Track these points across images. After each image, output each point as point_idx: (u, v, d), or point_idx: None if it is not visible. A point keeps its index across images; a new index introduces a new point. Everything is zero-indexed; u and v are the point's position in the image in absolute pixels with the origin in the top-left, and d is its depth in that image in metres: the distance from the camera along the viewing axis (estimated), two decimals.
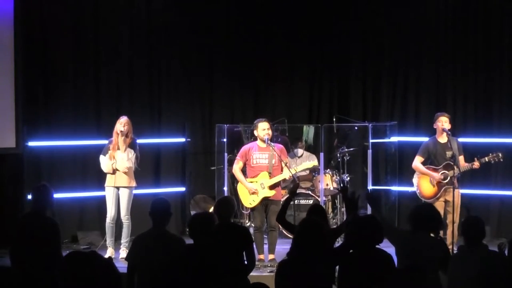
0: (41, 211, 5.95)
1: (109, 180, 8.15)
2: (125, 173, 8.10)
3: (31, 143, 9.19)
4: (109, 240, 8.26)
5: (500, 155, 8.17)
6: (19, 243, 5.83)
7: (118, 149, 8.12)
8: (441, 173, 8.24)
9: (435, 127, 8.44)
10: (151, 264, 5.30)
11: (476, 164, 8.15)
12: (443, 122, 8.32)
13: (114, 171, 8.10)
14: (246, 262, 5.78)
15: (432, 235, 5.41)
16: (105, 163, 8.12)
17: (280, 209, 6.45)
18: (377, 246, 4.90)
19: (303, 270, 4.51)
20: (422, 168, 8.39)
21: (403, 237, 5.42)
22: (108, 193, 8.18)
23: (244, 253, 5.75)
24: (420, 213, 5.41)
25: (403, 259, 5.22)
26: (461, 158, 8.31)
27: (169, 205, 5.67)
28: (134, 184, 8.22)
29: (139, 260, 5.39)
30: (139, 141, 8.59)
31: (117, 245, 8.34)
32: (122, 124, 8.13)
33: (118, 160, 8.09)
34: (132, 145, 8.18)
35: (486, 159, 8.17)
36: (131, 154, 8.15)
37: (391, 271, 4.77)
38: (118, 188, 8.15)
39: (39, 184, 6.32)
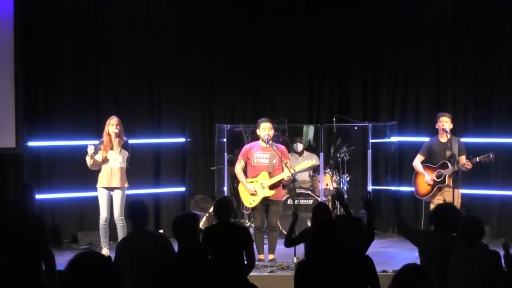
0: (26, 209, 5.91)
1: (102, 181, 8.12)
2: (119, 170, 8.06)
3: (31, 143, 9.19)
4: (103, 240, 8.23)
5: (491, 155, 8.15)
6: (4, 242, 5.78)
7: (111, 149, 8.09)
8: (437, 172, 8.24)
9: (436, 127, 8.43)
10: (140, 266, 5.29)
11: (467, 164, 8.15)
12: (444, 122, 8.32)
13: (105, 171, 8.03)
14: (246, 262, 5.78)
15: (454, 234, 5.42)
16: (87, 160, 8.05)
17: (286, 235, 6.50)
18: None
19: (323, 269, 4.49)
20: (418, 167, 8.41)
21: (425, 237, 5.45)
22: (101, 194, 8.15)
23: (244, 253, 5.75)
24: (442, 213, 5.44)
25: (425, 260, 5.24)
26: (462, 158, 8.28)
27: (146, 206, 5.73)
28: (126, 185, 8.18)
29: (127, 264, 5.37)
30: (139, 141, 8.59)
31: (114, 246, 8.32)
32: (114, 125, 8.09)
33: (111, 159, 8.08)
34: (125, 146, 8.16)
35: (477, 159, 8.17)
36: (125, 155, 8.12)
37: (372, 273, 4.82)
38: (111, 189, 8.14)
39: (24, 183, 6.29)
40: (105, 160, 8.07)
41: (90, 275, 2.94)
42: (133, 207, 5.70)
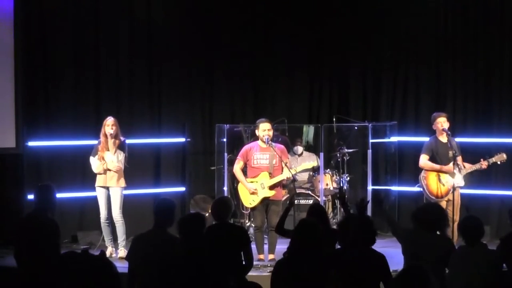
0: (43, 212, 5.93)
1: (99, 181, 8.17)
2: (115, 172, 8.08)
3: (31, 143, 9.19)
4: (107, 239, 8.27)
5: (504, 156, 8.16)
6: (22, 244, 5.82)
7: (107, 150, 8.11)
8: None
9: (434, 128, 8.43)
10: (151, 264, 5.28)
11: (484, 164, 8.14)
12: (442, 122, 8.32)
13: (105, 171, 8.09)
14: (244, 262, 5.78)
15: (438, 233, 5.43)
16: (95, 164, 8.12)
17: (278, 222, 6.49)
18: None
19: (300, 270, 4.51)
20: (433, 164, 8.31)
21: (410, 236, 5.44)
22: (99, 194, 8.20)
23: (242, 253, 5.75)
24: (426, 213, 5.44)
25: (409, 258, 5.24)
26: (459, 159, 8.28)
27: (173, 208, 5.60)
28: (123, 184, 8.20)
29: (139, 260, 5.37)
30: (139, 141, 8.59)
31: (115, 245, 8.33)
32: (110, 126, 8.12)
33: (107, 161, 8.09)
34: (121, 147, 8.17)
35: (494, 159, 8.16)
36: (121, 156, 8.13)
37: (385, 272, 4.82)
38: (108, 188, 8.15)
39: (43, 184, 6.30)
40: (102, 160, 8.09)
41: (78, 274, 2.93)
42: (159, 205, 5.57)
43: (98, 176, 8.17)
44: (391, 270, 6.74)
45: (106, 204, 8.17)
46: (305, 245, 4.57)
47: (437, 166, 8.28)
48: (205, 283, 4.85)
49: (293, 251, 4.65)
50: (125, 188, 8.25)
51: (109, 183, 8.12)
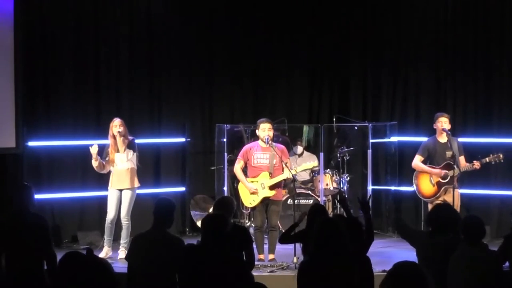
0: (26, 209, 5.89)
1: (113, 183, 8.17)
2: (127, 171, 8.09)
3: (31, 143, 9.19)
4: (107, 239, 8.25)
5: (501, 156, 8.18)
6: (6, 242, 5.75)
7: (117, 151, 8.12)
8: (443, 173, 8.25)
9: (435, 127, 8.47)
10: (150, 264, 5.28)
11: (476, 165, 8.16)
12: (443, 122, 8.35)
13: (101, 167, 8.07)
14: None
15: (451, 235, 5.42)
16: (95, 164, 8.10)
17: (284, 234, 6.49)
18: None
19: (327, 269, 4.48)
20: (423, 166, 8.41)
21: (422, 238, 5.44)
22: (111, 195, 8.19)
23: (243, 253, 5.74)
24: (440, 214, 5.43)
25: (423, 260, 5.23)
26: (461, 159, 8.32)
27: (173, 208, 5.58)
28: (137, 184, 8.24)
29: (139, 260, 5.37)
30: (139, 141, 8.58)
31: (116, 245, 8.33)
32: (117, 126, 8.13)
33: (117, 161, 8.11)
34: (131, 146, 8.19)
35: (487, 159, 8.18)
36: (131, 154, 8.15)
37: (369, 272, 4.83)
38: (121, 190, 8.16)
39: (21, 184, 6.27)
40: (113, 162, 8.10)
41: (72, 274, 2.93)
42: (158, 205, 5.54)
43: (111, 179, 8.16)
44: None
45: (116, 207, 8.16)
46: (329, 244, 4.52)
47: (426, 169, 8.37)
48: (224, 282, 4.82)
49: (317, 250, 4.59)
50: (138, 188, 8.26)
51: (123, 185, 8.13)
